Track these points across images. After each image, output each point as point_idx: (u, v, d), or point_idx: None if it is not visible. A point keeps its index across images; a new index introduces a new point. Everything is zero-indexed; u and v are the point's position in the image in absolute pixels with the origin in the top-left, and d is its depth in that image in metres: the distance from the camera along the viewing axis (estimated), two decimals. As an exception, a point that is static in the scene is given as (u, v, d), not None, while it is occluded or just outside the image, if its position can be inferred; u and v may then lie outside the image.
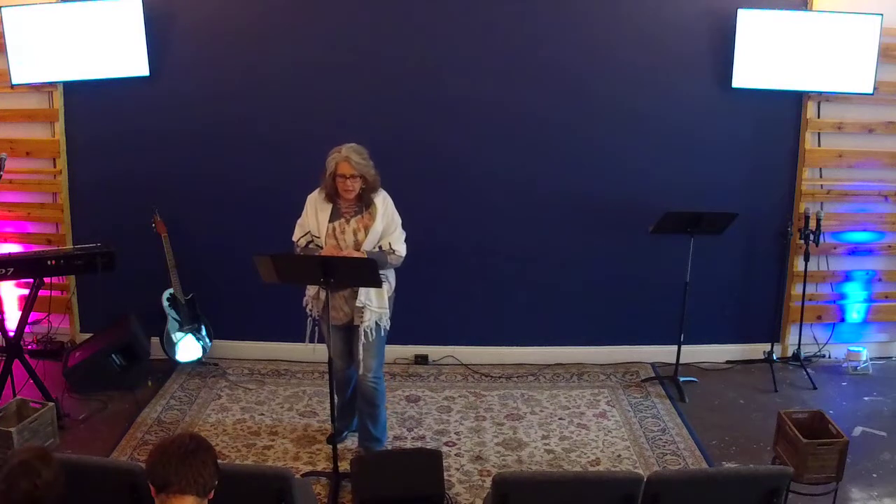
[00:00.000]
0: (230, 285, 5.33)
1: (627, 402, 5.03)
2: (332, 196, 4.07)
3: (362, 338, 4.14)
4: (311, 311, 4.29)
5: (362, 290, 4.08)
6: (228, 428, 4.65)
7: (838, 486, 3.72)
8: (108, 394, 4.96)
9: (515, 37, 5.12)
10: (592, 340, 5.55)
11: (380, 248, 4.08)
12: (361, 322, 4.13)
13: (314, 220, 4.11)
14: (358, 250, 4.04)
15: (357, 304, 4.10)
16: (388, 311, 4.19)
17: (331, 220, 4.09)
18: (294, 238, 4.21)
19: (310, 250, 4.14)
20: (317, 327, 4.22)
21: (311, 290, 4.24)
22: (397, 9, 5.10)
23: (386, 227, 4.10)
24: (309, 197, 4.16)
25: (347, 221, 4.09)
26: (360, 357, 4.18)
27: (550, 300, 5.50)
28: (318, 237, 4.10)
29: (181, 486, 2.34)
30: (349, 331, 4.24)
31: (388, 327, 4.23)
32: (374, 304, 4.13)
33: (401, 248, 4.13)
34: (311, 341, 4.31)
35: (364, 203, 4.08)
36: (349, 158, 3.96)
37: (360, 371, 4.21)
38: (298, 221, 4.21)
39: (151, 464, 2.39)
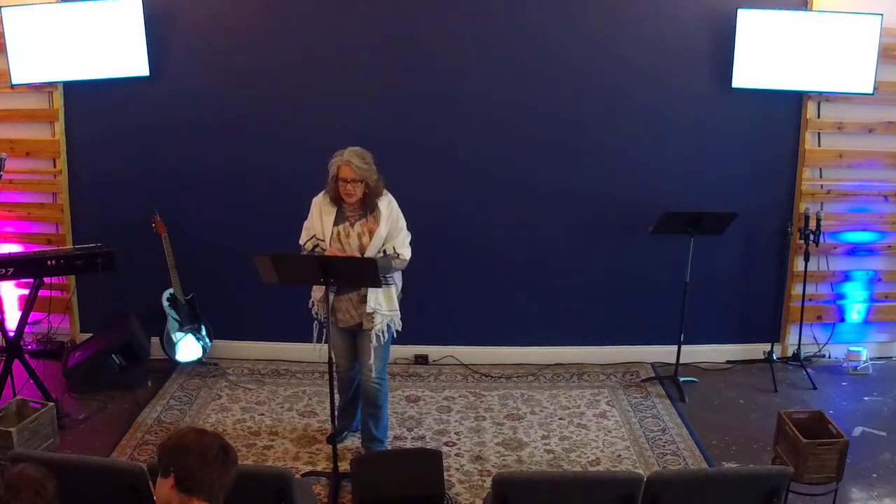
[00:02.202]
0: (230, 285, 5.32)
1: (627, 402, 5.03)
2: (337, 200, 4.05)
3: (373, 341, 4.12)
4: (316, 313, 4.27)
5: (371, 296, 4.05)
6: (228, 428, 4.65)
7: (838, 486, 3.72)
8: (108, 394, 4.96)
9: (514, 36, 5.11)
10: (592, 340, 5.54)
11: (384, 252, 4.06)
12: (372, 326, 4.11)
13: (319, 223, 4.09)
14: (363, 255, 4.02)
15: (367, 310, 4.08)
16: (398, 312, 4.18)
17: (335, 224, 4.07)
18: (301, 241, 4.18)
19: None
20: (324, 329, 4.20)
21: (316, 294, 4.22)
22: (398, 8, 5.10)
23: (390, 231, 4.06)
24: (314, 200, 4.14)
25: (352, 225, 4.07)
26: (365, 359, 4.17)
27: (550, 300, 5.49)
28: (324, 241, 4.07)
29: (210, 494, 2.28)
30: (356, 333, 4.22)
31: (398, 329, 4.22)
32: (385, 307, 4.11)
33: (405, 252, 4.10)
34: (319, 342, 4.29)
35: (368, 207, 4.06)
36: (350, 162, 3.93)
37: (364, 372, 4.21)
38: (305, 224, 4.18)
39: (188, 466, 2.26)
